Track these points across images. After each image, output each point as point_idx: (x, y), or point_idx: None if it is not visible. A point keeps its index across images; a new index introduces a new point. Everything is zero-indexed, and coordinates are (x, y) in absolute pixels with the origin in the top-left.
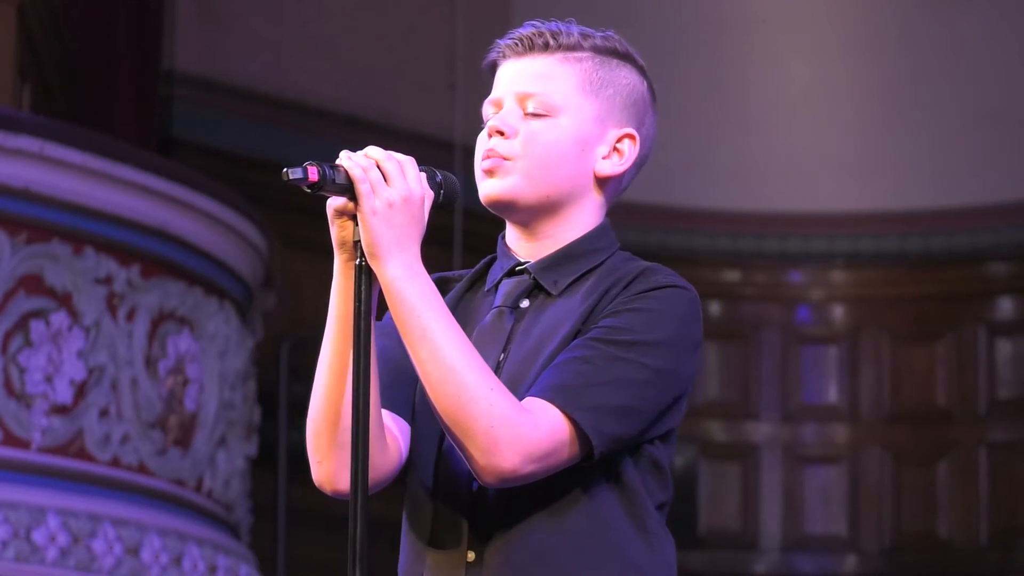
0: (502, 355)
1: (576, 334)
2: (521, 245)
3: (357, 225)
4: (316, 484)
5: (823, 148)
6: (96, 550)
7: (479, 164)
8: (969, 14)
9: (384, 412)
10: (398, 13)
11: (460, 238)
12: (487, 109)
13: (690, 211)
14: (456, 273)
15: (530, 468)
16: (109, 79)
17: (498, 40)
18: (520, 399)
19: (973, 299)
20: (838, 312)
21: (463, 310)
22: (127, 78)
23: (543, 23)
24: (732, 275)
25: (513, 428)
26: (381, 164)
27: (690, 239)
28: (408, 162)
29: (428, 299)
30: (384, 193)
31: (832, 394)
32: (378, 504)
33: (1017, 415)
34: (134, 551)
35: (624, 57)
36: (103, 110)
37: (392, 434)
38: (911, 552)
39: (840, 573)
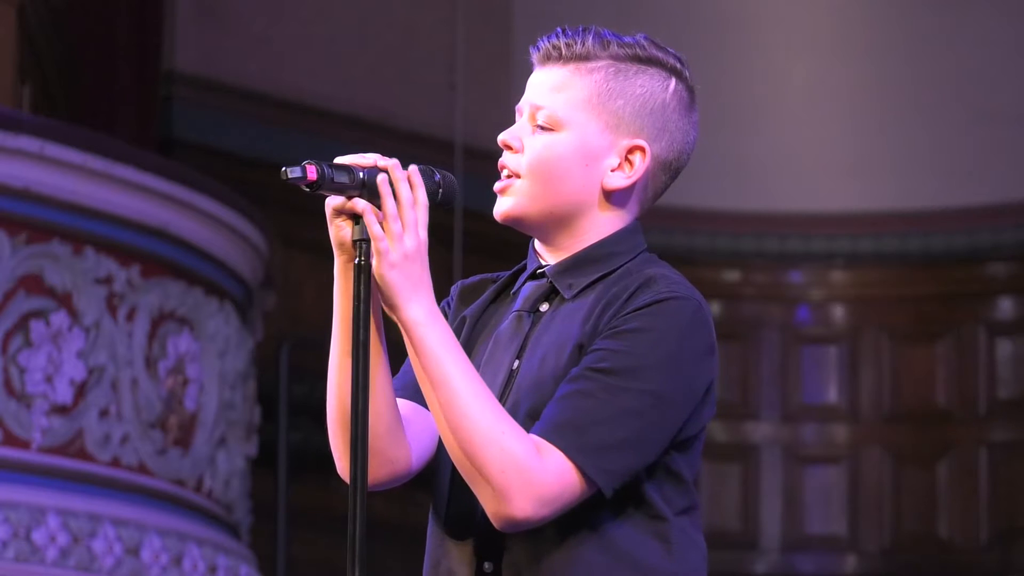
0: (516, 361)
1: (579, 348)
2: (545, 253)
3: (356, 224)
4: (341, 477)
5: (823, 148)
6: (96, 550)
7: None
8: (969, 14)
9: (411, 405)
10: (398, 13)
11: (460, 238)
12: (516, 113)
13: (690, 211)
14: (496, 275)
15: (543, 513)
16: (109, 79)
17: (530, 46)
18: (528, 409)
19: (973, 299)
20: (838, 312)
21: (489, 315)
22: (127, 78)
23: (564, 31)
24: (732, 275)
25: (523, 474)
26: (403, 213)
27: (690, 239)
28: (424, 207)
29: (447, 345)
30: (402, 247)
31: (832, 394)
32: (379, 504)
33: (1017, 415)
34: (134, 551)
35: (647, 62)
36: (103, 110)
37: (418, 427)
38: (911, 552)
39: (840, 573)
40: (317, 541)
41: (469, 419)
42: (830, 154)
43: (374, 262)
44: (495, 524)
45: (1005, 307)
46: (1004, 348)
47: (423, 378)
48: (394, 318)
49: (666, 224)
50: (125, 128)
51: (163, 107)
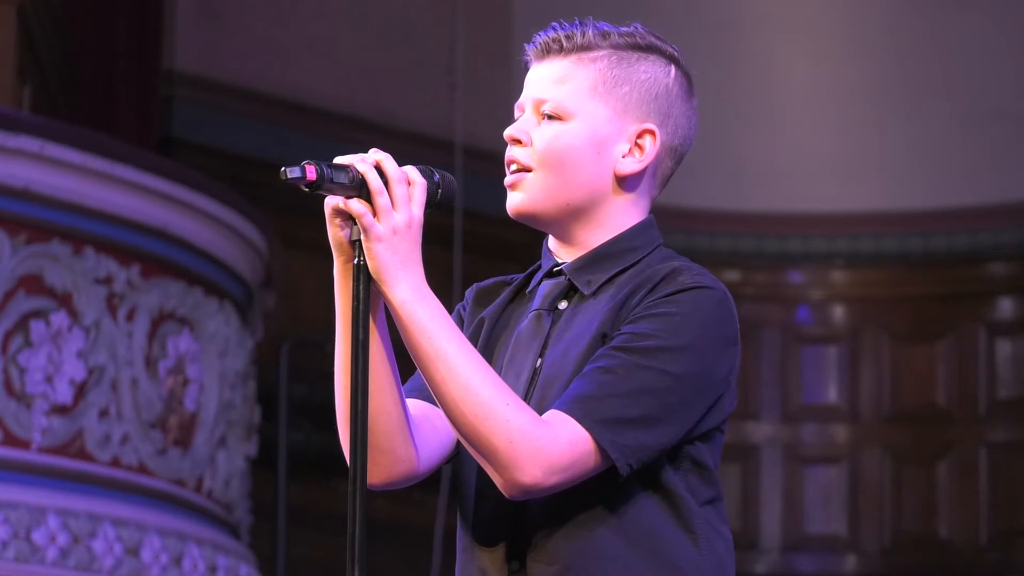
0: (539, 360)
1: (602, 337)
2: (560, 250)
3: (355, 224)
4: None
5: (823, 148)
6: (96, 550)
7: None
8: (970, 14)
9: (425, 405)
10: (398, 13)
11: (460, 238)
12: (516, 112)
13: (690, 211)
14: (511, 277)
15: (553, 480)
16: (109, 79)
17: (525, 44)
18: (551, 404)
19: (973, 299)
20: (838, 312)
21: (507, 316)
22: (127, 78)
23: (562, 25)
24: (732, 275)
25: (532, 442)
26: (391, 187)
27: (690, 239)
28: (419, 187)
29: (438, 320)
30: (390, 220)
31: (832, 394)
32: (379, 504)
33: (1017, 415)
34: (134, 551)
35: (647, 50)
36: (103, 110)
37: (432, 426)
38: (911, 552)
39: (840, 573)
40: (317, 541)
41: (471, 392)
42: (830, 154)
43: (363, 240)
44: (505, 493)
45: (1005, 307)
46: (1004, 348)
47: (417, 357)
48: (385, 301)
49: (666, 224)
50: (125, 128)
51: (163, 107)
